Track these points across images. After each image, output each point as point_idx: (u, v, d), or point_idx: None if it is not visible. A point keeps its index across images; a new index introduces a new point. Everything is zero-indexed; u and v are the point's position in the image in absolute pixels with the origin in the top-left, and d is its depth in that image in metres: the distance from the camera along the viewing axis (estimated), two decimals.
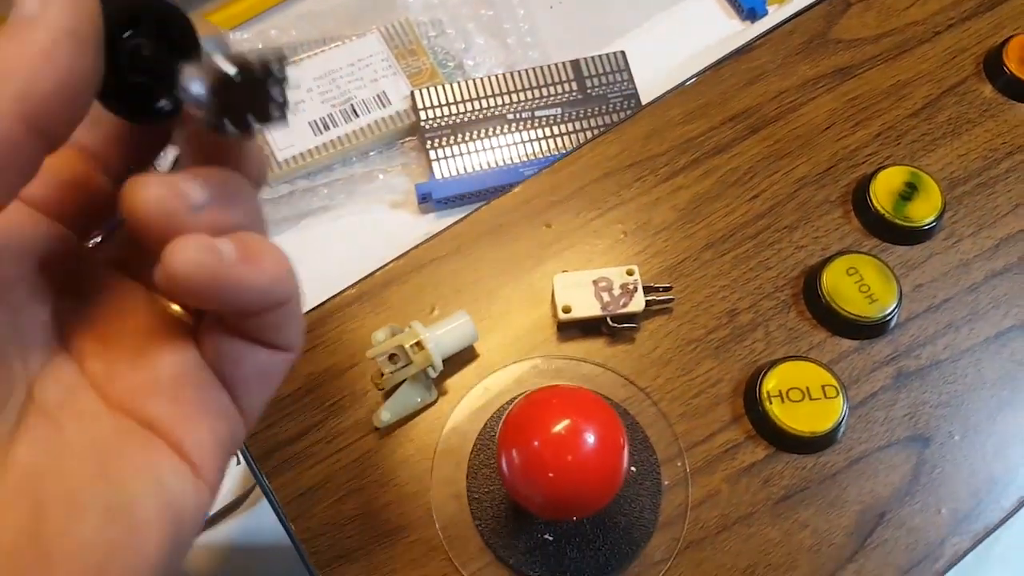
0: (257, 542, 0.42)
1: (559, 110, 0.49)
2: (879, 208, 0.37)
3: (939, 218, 0.37)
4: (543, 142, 0.48)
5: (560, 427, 0.28)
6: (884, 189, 0.37)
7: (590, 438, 0.28)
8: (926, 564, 0.32)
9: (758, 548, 0.32)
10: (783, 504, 0.33)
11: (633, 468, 0.33)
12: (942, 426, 0.34)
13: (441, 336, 0.35)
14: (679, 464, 0.33)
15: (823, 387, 0.33)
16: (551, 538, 0.32)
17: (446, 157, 0.47)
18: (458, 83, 0.49)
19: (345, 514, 0.33)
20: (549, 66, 0.50)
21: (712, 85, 0.41)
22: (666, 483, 0.33)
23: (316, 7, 0.55)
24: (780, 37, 0.42)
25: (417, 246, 0.38)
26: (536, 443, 0.28)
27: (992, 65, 0.40)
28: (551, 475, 0.28)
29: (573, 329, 0.36)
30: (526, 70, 0.50)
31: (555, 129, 0.49)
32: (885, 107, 0.40)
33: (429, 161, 0.47)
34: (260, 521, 0.42)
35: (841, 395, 0.33)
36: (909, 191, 0.37)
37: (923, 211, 0.37)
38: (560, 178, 0.40)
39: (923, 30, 0.42)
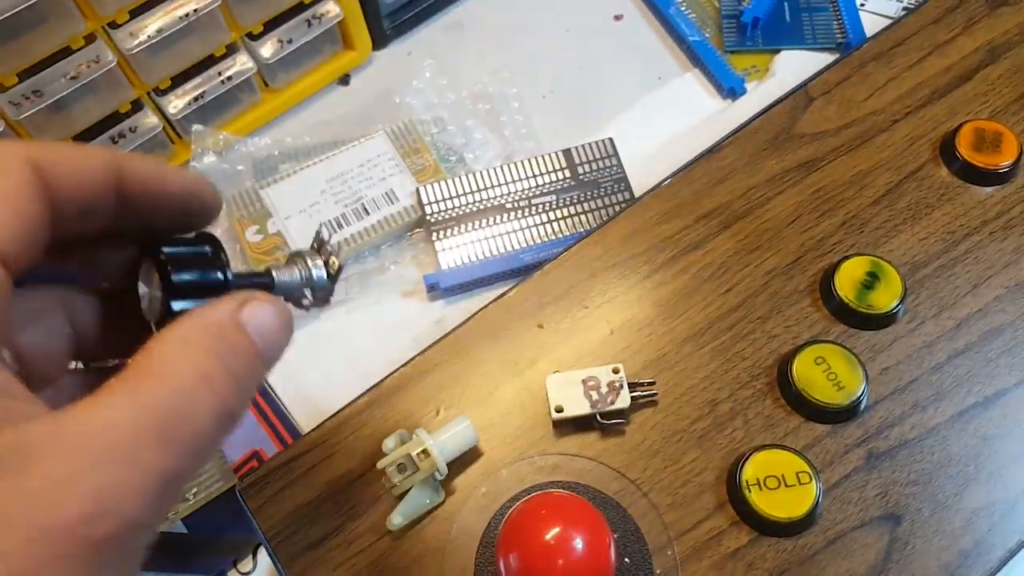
0: None
1: (554, 197, 0.53)
2: (844, 298, 0.39)
3: (900, 303, 0.39)
4: (540, 228, 0.52)
5: (550, 535, 0.32)
6: (847, 280, 0.40)
7: (579, 543, 0.31)
8: None
9: None
10: None
11: (627, 559, 0.36)
12: (912, 504, 0.36)
13: (444, 442, 0.38)
14: (669, 553, 0.36)
15: (797, 474, 0.36)
16: None
17: (451, 248, 0.51)
18: (459, 177, 0.53)
19: None
20: (543, 156, 0.54)
21: (685, 185, 0.44)
22: (658, 572, 0.36)
23: (326, 114, 0.59)
24: (747, 135, 0.45)
25: (421, 352, 0.42)
26: (529, 551, 0.31)
27: (947, 151, 0.43)
28: None
29: (567, 425, 0.40)
30: (522, 161, 0.54)
31: (551, 215, 0.52)
32: (848, 196, 0.43)
33: (436, 252, 0.51)
34: None
35: (814, 481, 0.36)
36: (871, 280, 0.40)
37: (885, 299, 0.39)
38: (550, 280, 0.43)
39: (882, 119, 0.45)
